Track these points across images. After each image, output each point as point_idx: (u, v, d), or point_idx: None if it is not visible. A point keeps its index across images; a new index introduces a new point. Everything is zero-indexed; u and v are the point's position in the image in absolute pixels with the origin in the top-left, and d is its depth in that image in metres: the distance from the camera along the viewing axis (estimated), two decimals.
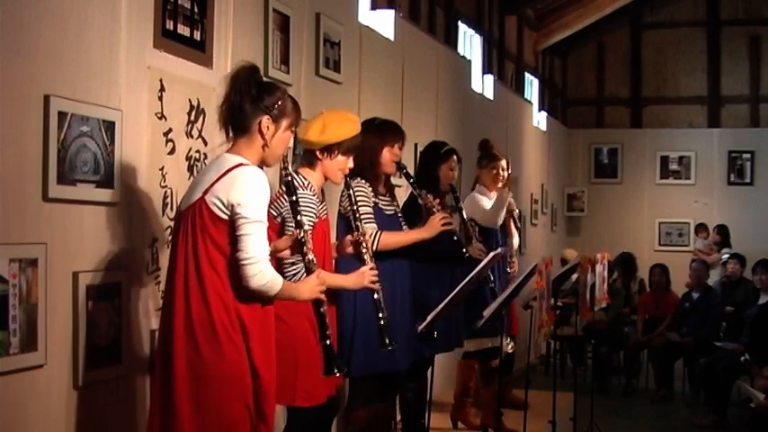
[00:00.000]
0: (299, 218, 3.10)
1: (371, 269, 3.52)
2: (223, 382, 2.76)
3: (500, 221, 5.50)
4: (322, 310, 3.06)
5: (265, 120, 2.87)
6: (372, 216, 3.98)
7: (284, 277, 2.96)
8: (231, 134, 2.91)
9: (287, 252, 3.31)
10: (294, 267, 3.42)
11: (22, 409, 2.87)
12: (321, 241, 3.48)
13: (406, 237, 4.08)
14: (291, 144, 3.02)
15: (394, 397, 4.49)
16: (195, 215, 2.78)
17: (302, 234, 3.08)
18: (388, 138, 4.13)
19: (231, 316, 2.77)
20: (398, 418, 5.12)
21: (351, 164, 3.62)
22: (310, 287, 2.99)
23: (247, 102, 2.85)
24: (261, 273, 2.75)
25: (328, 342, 3.06)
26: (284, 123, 2.92)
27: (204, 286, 2.76)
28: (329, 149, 3.55)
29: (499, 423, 4.92)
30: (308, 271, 3.06)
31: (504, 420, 5.22)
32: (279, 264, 3.34)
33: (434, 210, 4.20)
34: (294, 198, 3.12)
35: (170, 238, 3.55)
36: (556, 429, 5.20)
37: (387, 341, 3.59)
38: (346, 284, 3.51)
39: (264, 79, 2.96)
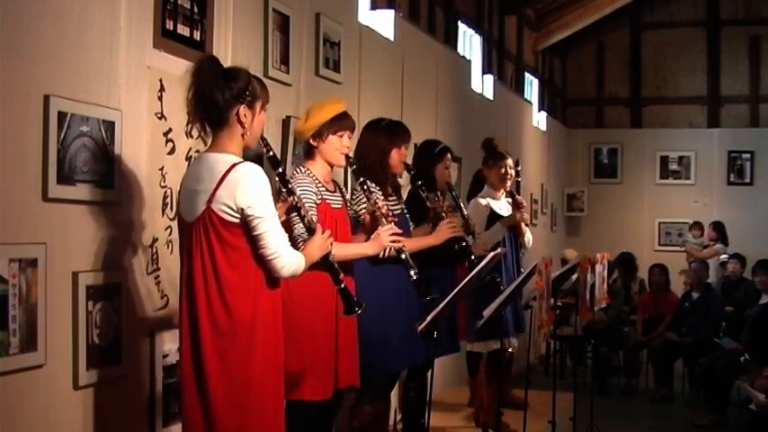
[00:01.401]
0: (289, 186, 3.20)
1: (388, 229, 3.58)
2: (253, 382, 2.85)
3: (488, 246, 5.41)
4: (330, 258, 3.18)
5: (242, 109, 2.89)
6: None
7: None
8: (208, 129, 2.93)
9: (282, 218, 3.32)
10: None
11: (22, 410, 2.86)
12: (333, 229, 3.50)
13: (418, 243, 4.14)
14: (266, 121, 3.05)
15: (390, 394, 4.51)
16: (207, 226, 2.81)
17: (296, 200, 3.17)
18: (397, 138, 4.18)
19: (256, 314, 2.86)
20: (399, 417, 5.13)
21: (347, 142, 3.65)
22: (318, 245, 3.10)
23: (218, 94, 2.85)
24: (287, 264, 2.88)
25: (343, 285, 3.23)
26: (258, 106, 2.96)
27: (225, 291, 2.82)
28: (319, 133, 3.61)
29: (499, 423, 4.92)
30: (310, 231, 3.16)
31: (503, 420, 5.21)
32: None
33: (443, 214, 4.30)
34: (280, 170, 3.18)
35: (170, 238, 3.55)
36: (556, 429, 5.20)
37: (427, 293, 3.69)
38: (367, 251, 3.58)
39: (225, 65, 2.97)
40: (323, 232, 3.12)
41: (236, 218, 2.80)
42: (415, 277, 3.66)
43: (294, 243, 3.20)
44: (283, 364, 3.01)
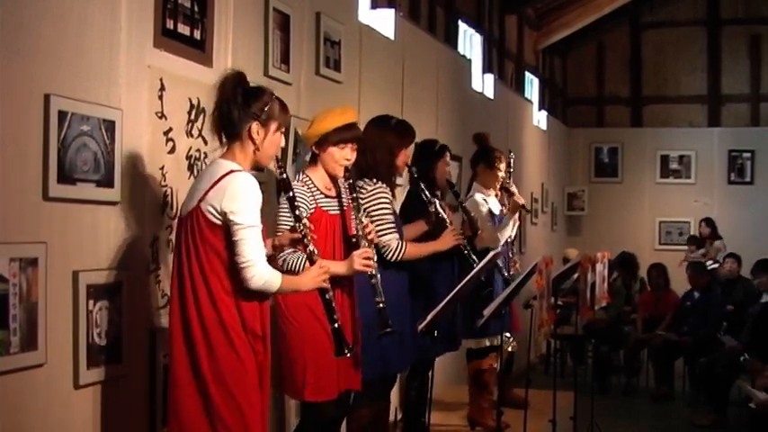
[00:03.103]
0: (297, 213, 3.19)
1: (362, 253, 3.48)
2: (238, 380, 2.90)
3: (502, 241, 5.44)
4: (327, 296, 3.15)
5: (255, 126, 2.96)
6: (394, 225, 3.99)
7: (282, 270, 3.12)
8: (225, 139, 3.02)
9: (287, 247, 3.38)
10: (286, 261, 3.43)
11: (22, 409, 2.86)
12: (325, 235, 3.49)
13: (425, 249, 4.21)
14: (283, 143, 3.08)
15: (389, 395, 4.51)
16: (193, 223, 2.90)
17: (302, 228, 3.16)
18: (406, 139, 4.18)
19: (236, 316, 2.91)
20: (399, 416, 5.13)
21: (348, 155, 3.61)
22: (312, 276, 3.10)
23: (235, 109, 2.94)
24: (258, 274, 2.87)
25: (336, 325, 3.16)
26: (273, 126, 3.01)
27: (210, 288, 2.89)
28: (321, 143, 3.60)
29: (499, 422, 4.93)
30: (311, 262, 3.15)
31: (504, 420, 5.22)
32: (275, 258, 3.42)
33: (447, 222, 4.31)
34: (291, 194, 3.20)
35: (170, 237, 3.56)
36: (556, 428, 5.20)
37: (386, 325, 3.59)
38: (339, 271, 3.46)
39: (251, 84, 3.05)
40: (321, 266, 3.11)
41: (219, 220, 2.86)
42: (381, 306, 3.58)
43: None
44: (269, 364, 3.04)
